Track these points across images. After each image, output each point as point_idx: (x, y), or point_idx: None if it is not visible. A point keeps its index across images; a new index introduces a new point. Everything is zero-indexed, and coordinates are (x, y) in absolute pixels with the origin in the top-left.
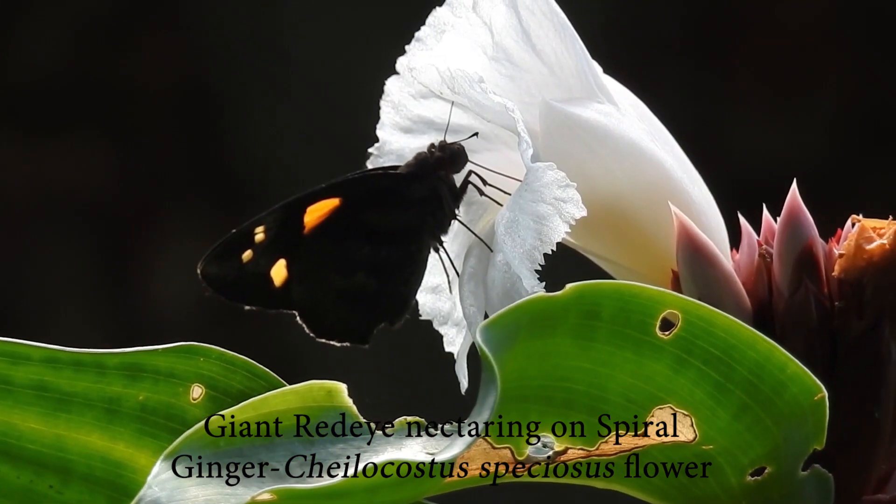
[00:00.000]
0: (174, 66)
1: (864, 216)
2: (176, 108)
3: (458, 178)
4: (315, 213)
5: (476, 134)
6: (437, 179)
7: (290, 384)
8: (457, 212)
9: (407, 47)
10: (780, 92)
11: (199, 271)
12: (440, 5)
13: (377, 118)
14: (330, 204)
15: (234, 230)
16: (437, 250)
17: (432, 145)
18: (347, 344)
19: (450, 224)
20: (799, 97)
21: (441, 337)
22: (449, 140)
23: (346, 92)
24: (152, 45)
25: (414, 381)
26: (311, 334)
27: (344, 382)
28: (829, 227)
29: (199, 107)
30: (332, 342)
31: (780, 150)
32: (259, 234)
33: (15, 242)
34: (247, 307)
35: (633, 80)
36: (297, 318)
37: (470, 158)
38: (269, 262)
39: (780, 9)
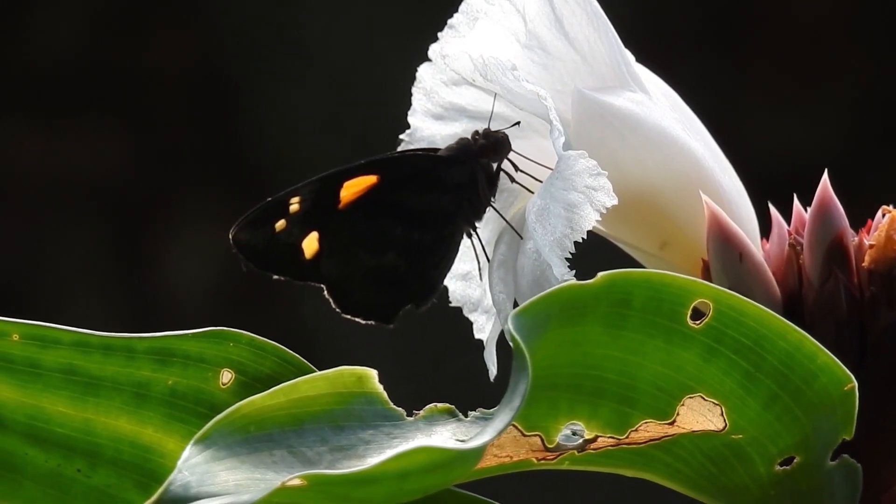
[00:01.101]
0: (190, 51)
1: (883, 207)
2: (191, 93)
3: None
4: (352, 188)
5: (518, 123)
6: (478, 165)
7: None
8: (492, 200)
9: (439, 34)
10: (799, 83)
11: (230, 236)
12: None
13: (392, 105)
14: (367, 181)
15: (269, 198)
16: (469, 236)
17: (476, 132)
18: (372, 322)
19: (485, 211)
20: (817, 88)
21: (461, 326)
22: (478, 128)
23: (360, 79)
24: (168, 30)
25: (430, 370)
26: (337, 309)
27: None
28: (851, 218)
29: (215, 93)
30: (356, 319)
31: (799, 140)
32: (294, 205)
33: (30, 227)
34: (275, 276)
35: (652, 71)
36: (325, 293)
37: None
38: (301, 234)
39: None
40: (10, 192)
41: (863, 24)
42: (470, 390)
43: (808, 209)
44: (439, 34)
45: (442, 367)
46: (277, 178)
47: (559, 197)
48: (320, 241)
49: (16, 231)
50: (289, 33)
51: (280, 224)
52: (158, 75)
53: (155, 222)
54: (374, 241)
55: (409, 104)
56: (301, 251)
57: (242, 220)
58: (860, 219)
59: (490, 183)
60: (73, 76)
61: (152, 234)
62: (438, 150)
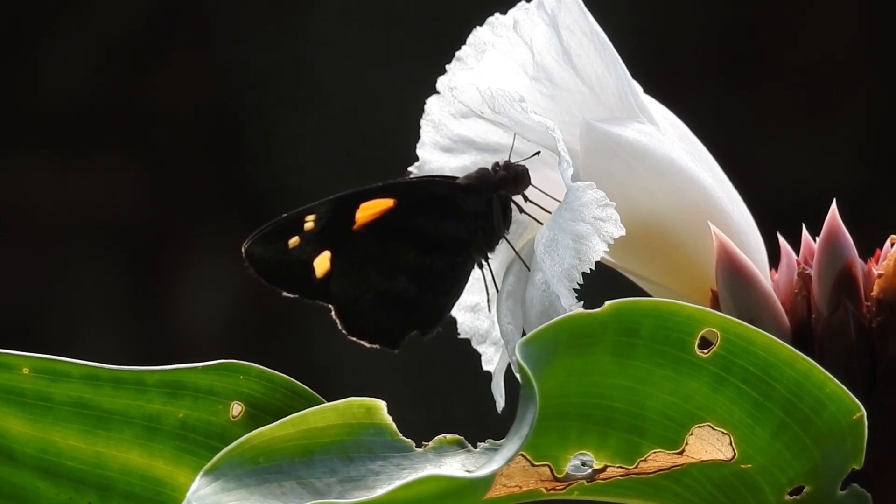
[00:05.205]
0: (201, 86)
1: (892, 236)
2: (203, 128)
3: None
4: (368, 210)
5: (538, 153)
6: (495, 196)
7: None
8: (505, 231)
9: (448, 66)
10: (808, 114)
11: (243, 249)
12: (464, 27)
13: (402, 138)
14: (384, 203)
15: (284, 214)
16: (480, 266)
17: (497, 163)
18: (377, 346)
19: (498, 242)
20: (826, 119)
21: (462, 358)
22: (489, 161)
23: (370, 111)
24: (179, 65)
25: (437, 402)
26: (343, 331)
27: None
28: (860, 248)
29: (226, 127)
30: (362, 342)
31: (808, 171)
32: (309, 223)
33: (43, 262)
34: (284, 293)
35: (661, 102)
36: (332, 314)
37: None
38: (313, 252)
39: (809, 31)
40: (24, 226)
41: (874, 56)
42: (480, 422)
43: (817, 239)
44: (447, 66)
45: (452, 399)
46: (289, 211)
47: (567, 228)
48: (332, 260)
49: (28, 266)
50: (299, 67)
51: (294, 241)
52: (171, 111)
53: (167, 256)
54: (386, 264)
55: (418, 137)
56: (312, 270)
57: (256, 233)
58: (869, 248)
59: (505, 215)
60: (85, 111)
61: (164, 268)
62: (457, 178)
